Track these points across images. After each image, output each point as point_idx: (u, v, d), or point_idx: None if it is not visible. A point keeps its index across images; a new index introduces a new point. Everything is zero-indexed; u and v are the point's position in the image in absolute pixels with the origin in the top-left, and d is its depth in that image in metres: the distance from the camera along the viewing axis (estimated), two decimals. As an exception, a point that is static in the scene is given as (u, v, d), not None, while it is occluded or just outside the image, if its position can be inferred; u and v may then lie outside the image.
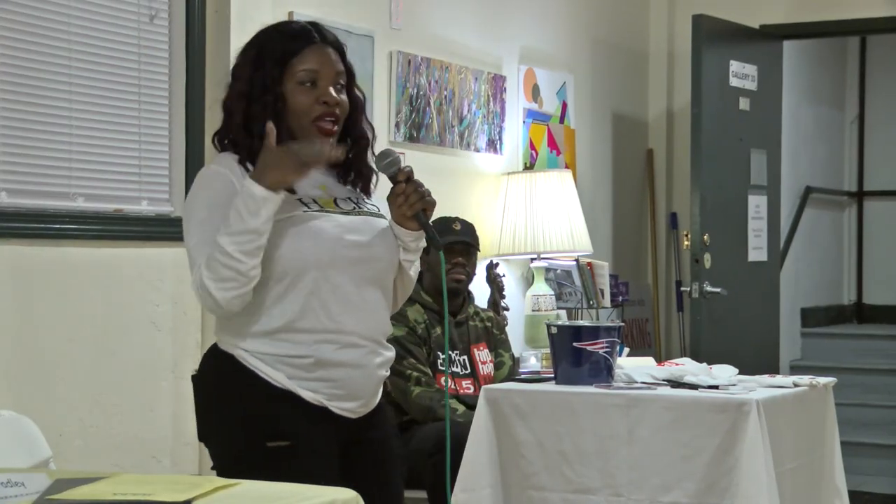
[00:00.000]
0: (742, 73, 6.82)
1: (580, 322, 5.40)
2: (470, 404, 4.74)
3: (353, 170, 3.12)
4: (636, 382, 4.41)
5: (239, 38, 4.40)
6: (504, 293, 5.78)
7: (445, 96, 5.63)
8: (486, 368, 5.09)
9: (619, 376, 4.42)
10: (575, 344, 4.34)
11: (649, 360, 4.83)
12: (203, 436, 3.13)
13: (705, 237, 6.53)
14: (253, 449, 2.97)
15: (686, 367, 4.58)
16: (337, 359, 2.97)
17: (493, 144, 5.99)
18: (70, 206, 4.02)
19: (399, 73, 5.32)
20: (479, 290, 5.63)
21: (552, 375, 4.49)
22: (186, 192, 4.36)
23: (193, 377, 3.15)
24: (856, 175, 10.00)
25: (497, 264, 5.82)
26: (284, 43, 3.03)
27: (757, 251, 7.02)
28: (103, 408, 4.07)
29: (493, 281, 5.75)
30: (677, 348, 7.28)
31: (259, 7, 4.52)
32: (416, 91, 5.44)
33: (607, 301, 6.26)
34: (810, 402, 4.60)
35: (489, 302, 5.70)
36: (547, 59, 6.47)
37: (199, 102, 4.40)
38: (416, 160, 5.41)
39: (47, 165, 3.97)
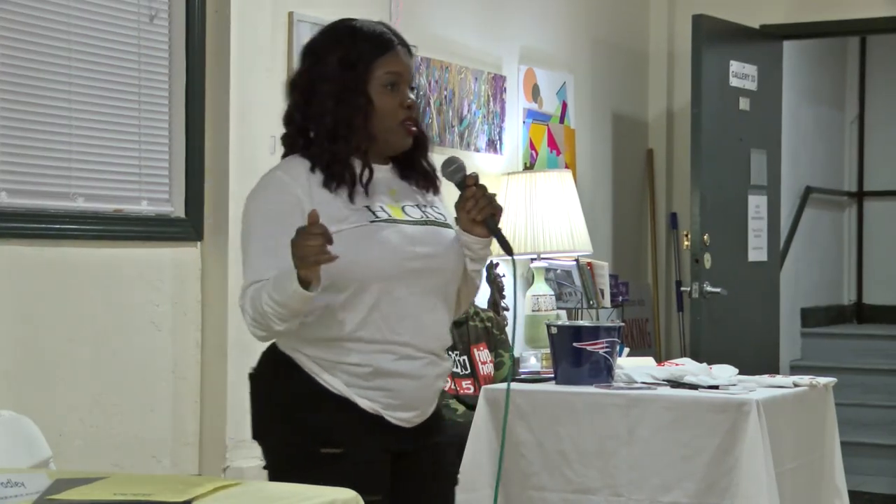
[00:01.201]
0: (742, 73, 6.82)
1: (580, 322, 5.40)
2: (470, 404, 4.74)
3: (417, 170, 3.10)
4: (636, 382, 4.41)
5: (239, 38, 4.42)
6: (504, 293, 5.78)
7: (445, 96, 5.63)
8: (486, 369, 5.09)
9: (619, 376, 4.42)
10: (575, 344, 4.35)
11: (649, 360, 4.83)
12: (257, 434, 3.10)
13: (705, 237, 6.53)
14: (305, 453, 2.96)
15: (686, 367, 4.58)
16: (395, 369, 2.96)
17: (493, 144, 5.99)
18: (70, 206, 4.02)
19: (399, 73, 5.32)
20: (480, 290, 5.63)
21: (552, 375, 4.49)
22: (187, 192, 4.39)
23: (251, 375, 3.12)
24: (856, 175, 10.00)
25: (497, 264, 5.82)
26: (371, 45, 3.02)
27: (757, 251, 7.01)
28: (103, 408, 4.07)
29: (493, 281, 5.75)
30: (677, 348, 7.28)
31: (259, 7, 4.52)
32: (416, 91, 5.43)
33: (607, 301, 6.25)
34: (810, 402, 4.60)
35: (489, 302, 5.70)
36: (547, 59, 6.47)
37: (199, 102, 4.40)
38: (416, 160, 5.41)
39: (47, 165, 3.97)
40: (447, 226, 3.08)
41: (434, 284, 3.01)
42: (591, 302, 6.13)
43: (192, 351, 4.38)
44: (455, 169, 3.03)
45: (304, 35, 4.82)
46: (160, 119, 4.34)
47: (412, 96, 3.04)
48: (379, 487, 2.94)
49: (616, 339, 4.39)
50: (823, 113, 9.50)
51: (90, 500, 2.42)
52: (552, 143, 6.47)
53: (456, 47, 5.65)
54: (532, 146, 6.30)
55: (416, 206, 3.06)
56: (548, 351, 4.72)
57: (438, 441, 3.14)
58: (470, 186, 3.00)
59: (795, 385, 4.53)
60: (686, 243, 6.67)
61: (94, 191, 4.11)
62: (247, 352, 4.43)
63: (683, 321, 7.18)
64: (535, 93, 6.35)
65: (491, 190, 3.06)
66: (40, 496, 2.44)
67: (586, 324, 4.69)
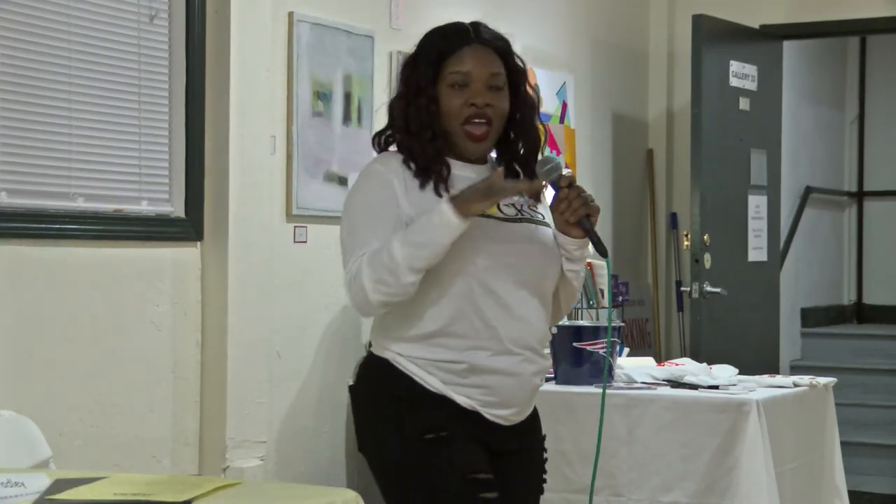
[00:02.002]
0: (742, 73, 6.82)
1: (580, 322, 5.40)
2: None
3: (525, 173, 3.07)
4: (636, 382, 4.42)
5: (239, 38, 4.42)
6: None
7: (445, 96, 5.62)
8: None
9: (619, 376, 4.42)
10: (575, 344, 4.35)
11: (649, 360, 4.83)
12: (363, 444, 3.08)
13: (705, 237, 6.53)
14: (410, 446, 2.95)
15: (686, 367, 4.58)
16: (491, 365, 2.95)
17: (493, 144, 5.98)
18: (70, 206, 4.02)
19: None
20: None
21: (552, 375, 4.49)
22: (187, 192, 4.39)
23: (351, 388, 3.14)
24: (856, 175, 10.00)
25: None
26: (439, 44, 3.03)
27: (757, 251, 7.01)
28: (103, 408, 4.06)
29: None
30: (677, 348, 7.28)
31: (259, 7, 4.52)
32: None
33: (607, 301, 6.25)
34: (810, 402, 4.60)
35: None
36: (547, 59, 6.47)
37: (199, 102, 4.40)
38: (416, 160, 5.41)
39: (47, 165, 3.97)
40: (545, 224, 3.07)
41: (528, 280, 2.99)
42: (591, 302, 6.13)
43: (192, 351, 4.38)
44: (550, 169, 2.99)
45: (304, 35, 4.83)
46: (160, 119, 4.34)
47: (493, 96, 2.99)
48: (486, 468, 2.94)
49: (616, 339, 4.39)
50: (823, 113, 9.50)
51: (90, 500, 2.42)
52: (552, 143, 6.47)
53: (456, 47, 5.63)
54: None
55: (512, 205, 3.04)
56: (548, 351, 4.72)
57: (535, 440, 3.14)
58: (563, 188, 2.96)
59: (795, 385, 4.54)
60: (686, 243, 6.67)
61: (94, 191, 4.11)
62: (247, 352, 4.44)
63: (683, 321, 7.18)
64: (535, 93, 6.34)
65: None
66: (40, 496, 2.44)
67: (586, 324, 4.69)
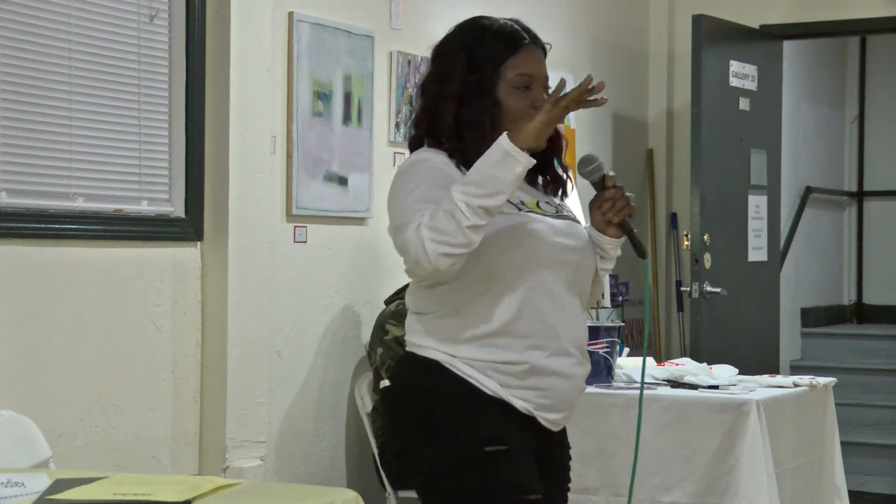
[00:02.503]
0: (742, 73, 6.82)
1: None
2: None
3: (550, 174, 3.03)
4: (636, 382, 4.42)
5: (239, 38, 4.42)
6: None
7: (445, 96, 5.62)
8: None
9: (619, 376, 4.42)
10: (575, 344, 4.34)
11: (649, 361, 4.83)
12: (401, 450, 2.97)
13: (705, 237, 6.53)
14: (467, 455, 2.84)
15: (686, 367, 4.58)
16: (548, 366, 2.87)
17: (493, 144, 5.98)
18: (70, 206, 4.02)
19: (399, 73, 5.32)
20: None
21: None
22: (187, 192, 4.39)
23: (387, 390, 3.03)
24: (856, 175, 10.00)
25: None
26: (500, 45, 2.95)
27: (757, 251, 7.02)
28: (103, 408, 4.06)
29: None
30: (677, 348, 7.28)
31: (259, 7, 4.52)
32: (416, 91, 5.43)
33: (607, 301, 6.26)
34: (810, 402, 4.60)
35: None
36: (547, 58, 6.47)
37: (199, 102, 4.40)
38: (416, 160, 5.41)
39: (47, 165, 3.97)
40: (579, 221, 3.03)
41: (576, 279, 2.94)
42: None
43: (192, 351, 4.38)
44: (594, 169, 2.95)
45: (304, 35, 4.83)
46: (160, 119, 4.34)
47: (546, 97, 2.92)
48: (537, 487, 2.89)
49: (616, 339, 4.39)
50: (823, 113, 9.50)
51: (90, 500, 2.42)
52: (552, 143, 6.46)
53: (456, 47, 5.63)
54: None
55: (548, 202, 3.00)
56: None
57: (567, 450, 3.11)
58: (609, 188, 2.93)
59: (795, 385, 4.54)
60: (686, 243, 6.67)
61: (94, 191, 4.11)
62: (247, 352, 4.44)
63: (683, 321, 7.18)
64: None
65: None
66: (40, 496, 2.44)
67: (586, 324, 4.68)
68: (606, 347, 4.35)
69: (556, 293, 2.88)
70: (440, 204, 2.74)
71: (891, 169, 9.80)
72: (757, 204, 7.00)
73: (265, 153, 4.56)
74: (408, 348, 2.97)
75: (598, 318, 6.20)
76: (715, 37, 6.62)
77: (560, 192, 3.06)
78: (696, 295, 6.47)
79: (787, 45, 7.41)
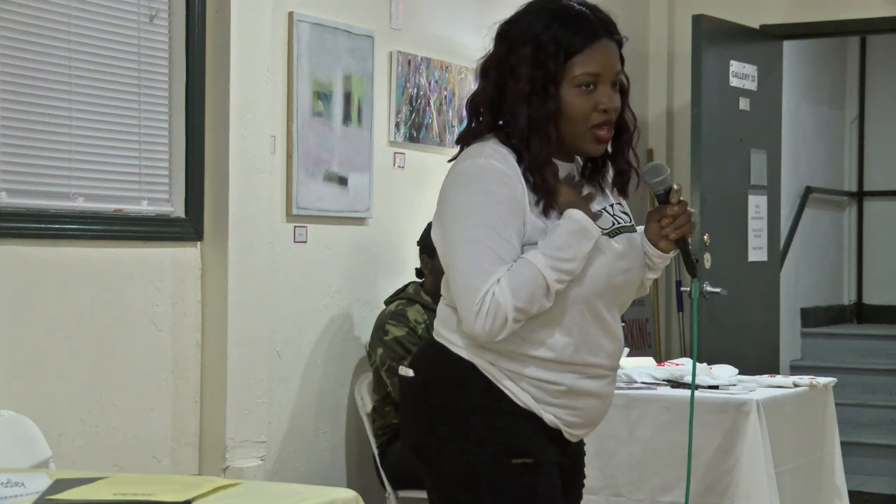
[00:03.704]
0: (742, 73, 6.82)
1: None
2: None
3: (614, 167, 2.85)
4: (636, 382, 4.42)
5: (239, 38, 4.42)
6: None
7: (445, 96, 5.63)
8: None
9: (619, 376, 4.42)
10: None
11: (649, 360, 4.83)
12: (420, 445, 2.84)
13: (705, 237, 6.53)
14: (493, 464, 2.74)
15: (686, 367, 4.58)
16: (585, 388, 2.78)
17: (493, 144, 5.98)
18: (70, 206, 4.02)
19: (399, 73, 5.32)
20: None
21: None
22: (186, 193, 4.39)
23: (410, 380, 2.86)
24: (856, 175, 10.00)
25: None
26: (567, 38, 2.71)
27: (757, 251, 7.01)
28: (103, 408, 4.07)
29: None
30: (677, 348, 7.28)
31: (259, 7, 4.52)
32: (416, 91, 5.44)
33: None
34: (810, 402, 4.60)
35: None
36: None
37: (199, 102, 4.40)
38: (416, 160, 5.41)
39: (47, 165, 3.97)
40: (633, 228, 2.86)
41: (623, 297, 2.85)
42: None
43: (192, 351, 4.38)
44: (661, 181, 2.78)
45: (304, 35, 4.83)
46: (160, 119, 4.34)
47: (615, 95, 2.74)
48: (561, 501, 2.83)
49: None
50: (823, 113, 9.50)
51: (90, 500, 2.42)
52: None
53: (456, 47, 5.64)
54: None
55: (602, 210, 2.80)
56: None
57: (583, 458, 3.02)
58: (674, 204, 2.78)
59: (795, 385, 4.54)
60: (686, 243, 6.67)
61: (94, 191, 4.11)
62: (247, 352, 4.44)
63: (683, 321, 7.18)
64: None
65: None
66: (40, 496, 2.44)
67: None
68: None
69: (604, 316, 2.78)
70: (524, 274, 2.61)
71: (891, 169, 9.80)
72: (757, 204, 7.00)
73: (265, 153, 4.56)
74: (438, 339, 2.82)
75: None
76: (715, 37, 6.62)
77: (619, 187, 2.88)
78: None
79: (787, 45, 7.41)
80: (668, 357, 7.01)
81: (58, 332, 3.93)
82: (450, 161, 2.81)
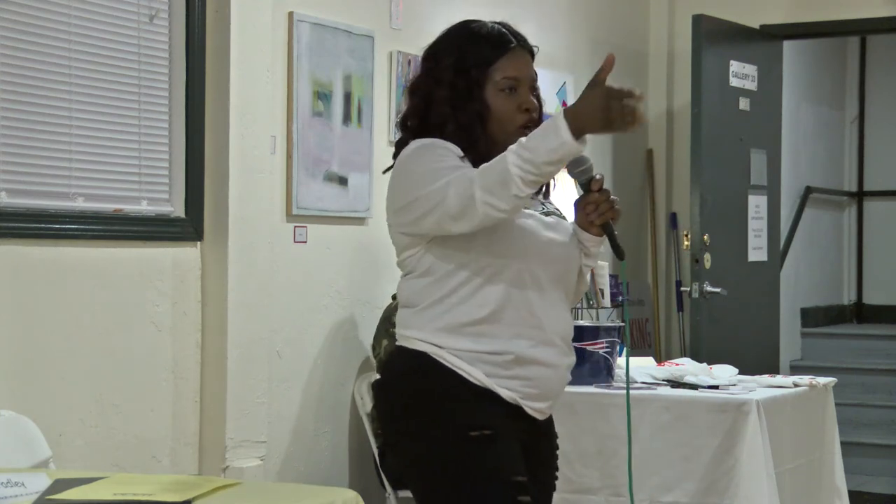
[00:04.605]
0: (742, 73, 6.82)
1: (580, 322, 5.40)
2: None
3: None
4: (636, 382, 4.42)
5: (239, 38, 4.42)
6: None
7: (445, 96, 5.62)
8: None
9: (619, 376, 4.42)
10: (575, 344, 4.34)
11: (649, 360, 4.83)
12: (392, 442, 3.04)
13: (705, 237, 6.53)
14: (453, 442, 2.90)
15: (686, 367, 4.58)
16: (533, 356, 2.94)
17: (493, 144, 5.99)
18: (70, 206, 4.02)
19: (399, 73, 5.32)
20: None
21: (552, 375, 4.48)
22: (186, 193, 4.39)
23: (378, 383, 3.08)
24: (856, 175, 10.00)
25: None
26: (486, 48, 3.00)
27: (757, 251, 7.02)
28: (103, 408, 4.07)
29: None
30: (677, 348, 7.28)
31: (259, 7, 4.52)
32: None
33: (607, 301, 6.25)
34: (810, 402, 4.60)
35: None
36: (547, 59, 6.46)
37: (199, 102, 4.40)
38: (416, 160, 5.41)
39: (47, 165, 3.97)
40: (565, 217, 3.11)
41: (561, 273, 3.01)
42: (591, 302, 6.13)
43: (192, 351, 4.38)
44: (583, 171, 2.96)
45: (304, 35, 4.83)
46: (160, 119, 4.34)
47: (533, 99, 3.02)
48: (524, 471, 2.94)
49: (616, 339, 4.39)
50: (823, 113, 9.50)
51: (90, 500, 2.42)
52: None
53: (456, 47, 5.63)
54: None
55: (534, 199, 3.05)
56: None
57: (554, 438, 3.16)
58: (594, 191, 2.97)
59: (795, 385, 4.54)
60: (686, 243, 6.68)
61: (94, 191, 4.11)
62: (247, 352, 4.44)
63: (683, 321, 7.18)
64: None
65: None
66: (40, 496, 2.44)
67: (586, 324, 4.69)
68: (606, 347, 4.35)
69: (543, 285, 2.96)
70: (492, 166, 2.77)
71: (891, 169, 9.80)
72: (757, 204, 7.00)
73: (265, 153, 4.56)
74: (398, 341, 3.01)
75: (598, 318, 6.20)
76: (715, 37, 6.62)
77: (544, 191, 3.13)
78: (696, 295, 6.47)
79: (787, 45, 7.41)
80: (668, 357, 7.01)
81: (58, 332, 3.93)
82: (385, 172, 3.08)
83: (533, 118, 2.99)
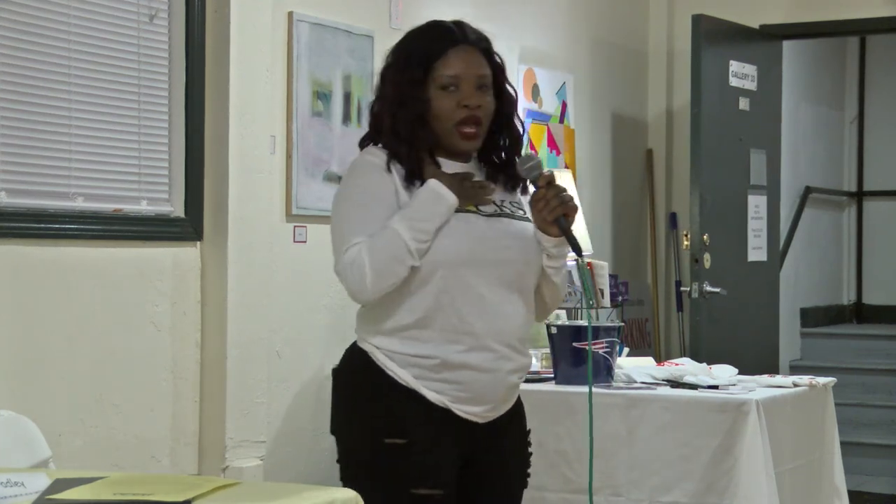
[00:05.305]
0: (742, 73, 6.82)
1: (580, 322, 5.40)
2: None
3: (508, 172, 3.11)
4: (636, 382, 4.42)
5: (239, 38, 4.42)
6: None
7: (445, 96, 5.62)
8: None
9: (619, 376, 4.42)
10: (575, 344, 4.35)
11: (649, 360, 4.83)
12: (333, 429, 3.14)
13: (705, 237, 6.53)
14: (372, 445, 2.98)
15: (686, 367, 4.58)
16: (464, 361, 2.96)
17: (493, 144, 5.98)
18: (70, 206, 4.02)
19: (399, 73, 5.32)
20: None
21: (552, 375, 4.49)
22: (186, 193, 4.39)
23: (333, 371, 3.16)
24: (855, 175, 10.00)
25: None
26: (427, 45, 3.04)
27: (757, 251, 7.02)
28: (103, 408, 4.07)
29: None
30: (677, 348, 7.28)
31: (259, 7, 4.52)
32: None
33: (607, 301, 6.25)
34: (810, 402, 4.60)
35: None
36: (547, 59, 6.47)
37: (199, 102, 4.40)
38: (416, 160, 5.41)
39: (47, 165, 3.97)
40: (526, 219, 3.08)
41: (508, 275, 3.00)
42: (591, 302, 6.13)
43: (191, 351, 4.38)
44: (531, 167, 3.02)
45: (304, 35, 4.83)
46: (160, 119, 4.34)
47: (482, 97, 3.02)
48: (442, 482, 2.96)
49: (616, 339, 4.39)
50: (823, 113, 9.51)
51: (90, 500, 2.42)
52: (552, 143, 6.47)
53: (456, 47, 5.63)
54: (532, 146, 6.30)
55: (491, 201, 3.06)
56: (548, 351, 4.73)
57: (514, 439, 3.15)
58: (541, 188, 3.00)
59: (795, 385, 4.54)
60: (686, 243, 6.68)
61: (94, 191, 4.11)
62: (247, 352, 4.44)
63: (683, 321, 7.18)
64: (534, 93, 6.35)
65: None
66: (40, 496, 2.44)
67: (586, 324, 4.69)
68: (606, 347, 4.35)
69: (477, 289, 2.96)
70: (382, 238, 2.90)
71: (891, 169, 9.81)
72: (757, 204, 7.00)
73: (265, 153, 4.56)
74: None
75: (598, 318, 6.20)
76: (715, 37, 6.62)
77: (514, 188, 3.14)
78: (695, 295, 6.47)
79: (787, 45, 7.41)
80: (668, 357, 7.02)
81: (58, 332, 3.93)
82: None
83: (473, 115, 3.00)
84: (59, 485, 2.52)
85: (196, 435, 4.41)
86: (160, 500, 2.40)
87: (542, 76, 6.39)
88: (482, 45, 3.09)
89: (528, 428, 3.21)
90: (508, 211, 3.08)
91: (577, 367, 4.34)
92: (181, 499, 2.40)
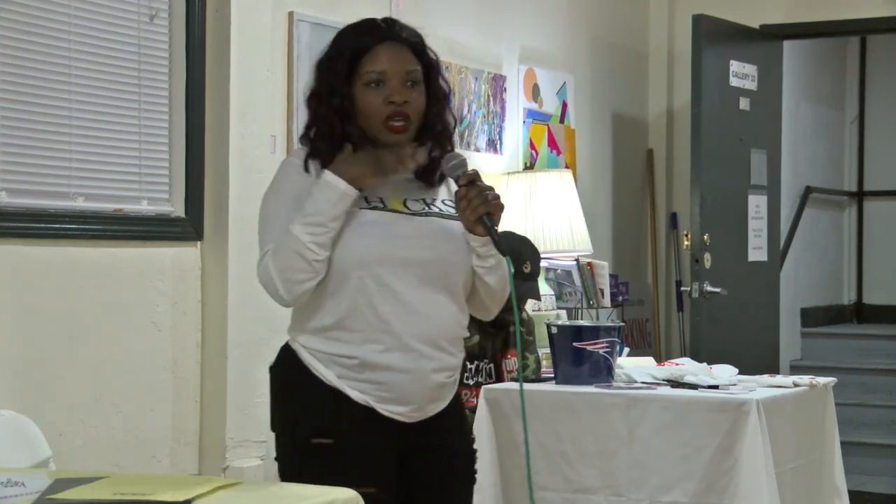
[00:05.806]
0: (742, 73, 6.82)
1: (580, 322, 5.40)
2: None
3: (436, 167, 3.08)
4: (636, 382, 4.41)
5: (239, 38, 4.42)
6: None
7: (445, 96, 5.62)
8: (511, 378, 4.99)
9: (619, 376, 4.42)
10: (575, 344, 4.34)
11: (649, 360, 4.82)
12: (272, 426, 3.14)
13: (705, 237, 6.53)
14: (300, 444, 2.99)
15: (686, 367, 4.58)
16: (383, 361, 2.95)
17: (494, 144, 5.99)
18: (70, 205, 4.02)
19: (399, 73, 5.32)
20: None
21: (552, 375, 4.49)
22: (186, 192, 4.39)
23: (269, 368, 3.17)
24: (856, 175, 10.00)
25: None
26: (352, 42, 3.02)
27: (757, 251, 7.02)
28: (103, 408, 4.07)
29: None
30: (677, 348, 7.28)
31: (259, 7, 4.52)
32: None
33: (607, 301, 6.25)
34: (810, 402, 4.60)
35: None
36: (547, 58, 6.47)
37: (199, 102, 4.40)
38: (416, 160, 5.41)
39: (47, 165, 3.97)
40: (454, 218, 3.04)
41: (432, 275, 2.98)
42: (591, 302, 6.13)
43: (192, 351, 4.38)
44: (455, 165, 3.00)
45: (304, 35, 4.83)
46: (160, 119, 4.34)
47: (410, 93, 2.99)
48: (372, 480, 2.92)
49: (616, 339, 4.39)
50: (823, 113, 9.51)
51: (90, 499, 2.42)
52: (552, 143, 6.47)
53: (456, 47, 5.64)
54: (532, 146, 6.30)
55: (421, 199, 3.05)
56: (548, 351, 4.72)
57: (449, 439, 3.11)
58: (462, 186, 2.97)
59: (795, 385, 4.53)
60: (686, 243, 6.68)
61: (94, 191, 4.11)
62: (247, 352, 4.44)
63: (683, 321, 7.18)
64: (535, 93, 6.35)
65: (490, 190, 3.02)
66: (40, 496, 2.44)
67: (586, 324, 4.69)
68: (606, 347, 4.34)
69: (395, 289, 2.94)
70: (285, 241, 2.90)
71: (891, 169, 9.81)
72: (757, 204, 7.00)
73: (265, 153, 4.56)
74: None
75: (597, 318, 6.20)
76: (715, 37, 6.62)
77: (430, 184, 3.11)
78: (696, 295, 6.47)
79: (787, 45, 7.41)
80: (668, 357, 7.02)
81: (58, 332, 3.93)
82: None
83: (400, 111, 2.97)
84: (59, 485, 2.52)
85: (196, 435, 4.41)
86: (160, 500, 2.40)
87: (542, 76, 6.39)
88: (412, 41, 3.09)
89: (469, 424, 3.20)
90: (438, 209, 3.05)
91: (577, 367, 4.33)
92: (181, 499, 2.40)
